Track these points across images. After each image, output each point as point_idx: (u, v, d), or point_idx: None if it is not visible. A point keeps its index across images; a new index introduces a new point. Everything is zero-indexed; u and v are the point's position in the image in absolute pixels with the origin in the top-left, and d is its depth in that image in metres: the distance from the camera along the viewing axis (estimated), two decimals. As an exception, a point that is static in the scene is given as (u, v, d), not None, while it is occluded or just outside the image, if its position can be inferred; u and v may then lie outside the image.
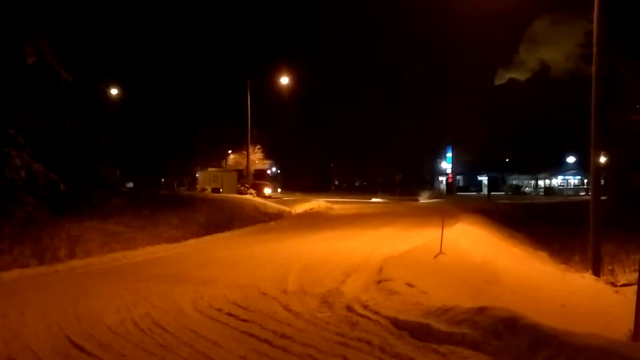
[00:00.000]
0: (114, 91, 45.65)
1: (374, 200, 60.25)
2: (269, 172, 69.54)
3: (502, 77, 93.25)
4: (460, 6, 66.14)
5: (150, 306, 9.92)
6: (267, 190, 59.56)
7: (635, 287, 8.76)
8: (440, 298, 9.68)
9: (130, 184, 65.48)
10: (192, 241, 21.23)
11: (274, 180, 70.83)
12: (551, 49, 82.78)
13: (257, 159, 66.35)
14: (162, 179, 70.51)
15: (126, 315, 9.31)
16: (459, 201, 55.05)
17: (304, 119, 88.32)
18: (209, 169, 64.58)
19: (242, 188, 53.24)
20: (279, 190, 68.73)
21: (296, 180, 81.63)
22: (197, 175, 68.98)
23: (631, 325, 8.31)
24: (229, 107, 62.21)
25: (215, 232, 23.94)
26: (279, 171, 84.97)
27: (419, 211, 38.91)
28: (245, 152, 57.64)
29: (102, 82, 31.35)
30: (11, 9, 21.14)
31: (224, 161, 71.78)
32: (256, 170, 62.10)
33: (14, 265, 14.71)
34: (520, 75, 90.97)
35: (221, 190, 58.05)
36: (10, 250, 16.26)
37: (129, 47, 56.75)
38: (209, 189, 58.84)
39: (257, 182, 59.65)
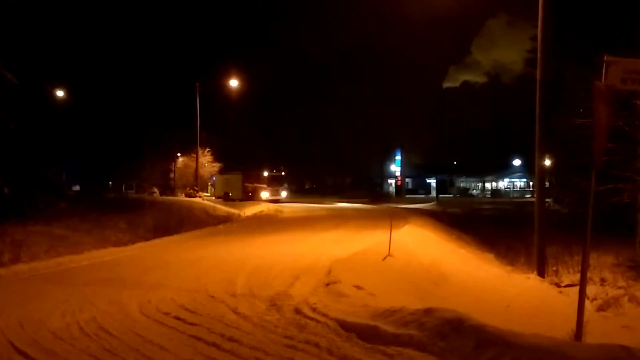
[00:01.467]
0: (60, 93, 44.82)
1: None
2: (266, 173, 64.10)
3: (454, 79, 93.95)
4: (409, 9, 65.98)
5: (97, 311, 9.77)
6: (265, 194, 55.08)
7: (578, 287, 8.95)
8: (388, 300, 9.73)
9: (77, 187, 64.30)
10: (140, 245, 21.02)
11: (275, 182, 64.88)
12: (502, 51, 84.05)
13: (206, 161, 65.77)
14: (110, 182, 69.41)
15: (71, 320, 9.15)
16: (408, 203, 55.41)
17: (254, 122, 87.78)
18: (231, 173, 62.53)
19: (191, 191, 52.54)
20: (284, 193, 62.63)
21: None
22: (213, 179, 67.62)
23: (574, 325, 8.47)
24: (178, 109, 61.43)
25: (164, 235, 23.71)
26: (282, 173, 79.69)
27: (370, 213, 38.97)
28: (194, 155, 57.01)
29: (48, 84, 30.85)
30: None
31: (173, 164, 71.00)
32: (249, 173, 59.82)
33: (-45, 271, 14.42)
34: (474, 77, 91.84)
35: (230, 194, 56.61)
36: (-48, 255, 15.95)
37: (77, 49, 55.84)
38: (222, 194, 57.09)
39: (255, 185, 57.21)
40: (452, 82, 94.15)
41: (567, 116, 21.49)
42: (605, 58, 8.30)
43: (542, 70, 17.54)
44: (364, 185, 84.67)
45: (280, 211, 40.30)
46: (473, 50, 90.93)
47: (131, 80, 62.52)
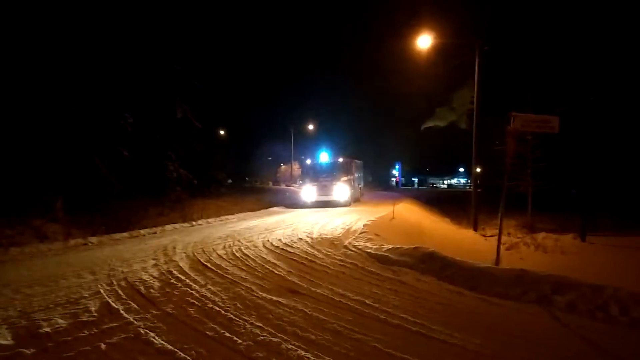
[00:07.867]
0: (222, 132, 46.09)
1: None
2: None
3: (438, 119, 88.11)
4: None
5: (240, 244, 9.93)
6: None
7: (497, 237, 8.77)
8: (393, 242, 9.66)
9: (230, 181, 65.00)
10: (262, 210, 21.19)
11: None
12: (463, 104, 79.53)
13: (296, 168, 66.24)
14: (246, 178, 70.05)
15: (228, 249, 9.33)
16: (402, 191, 54.39)
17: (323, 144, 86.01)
18: None
19: (288, 183, 53.07)
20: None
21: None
22: None
23: (494, 257, 8.32)
24: (280, 139, 60.36)
25: (275, 206, 23.91)
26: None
27: (383, 197, 38.38)
28: (290, 164, 57.44)
29: (217, 127, 31.93)
30: (169, 90, 21.43)
31: (278, 169, 71.17)
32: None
33: (169, 223, 14.89)
34: (447, 120, 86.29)
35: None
36: (169, 215, 16.52)
37: (231, 108, 54.80)
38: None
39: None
40: (435, 121, 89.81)
41: (489, 144, 21.00)
42: (512, 113, 8.13)
43: (477, 118, 17.20)
44: (380, 181, 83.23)
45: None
46: (454, 99, 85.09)
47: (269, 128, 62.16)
